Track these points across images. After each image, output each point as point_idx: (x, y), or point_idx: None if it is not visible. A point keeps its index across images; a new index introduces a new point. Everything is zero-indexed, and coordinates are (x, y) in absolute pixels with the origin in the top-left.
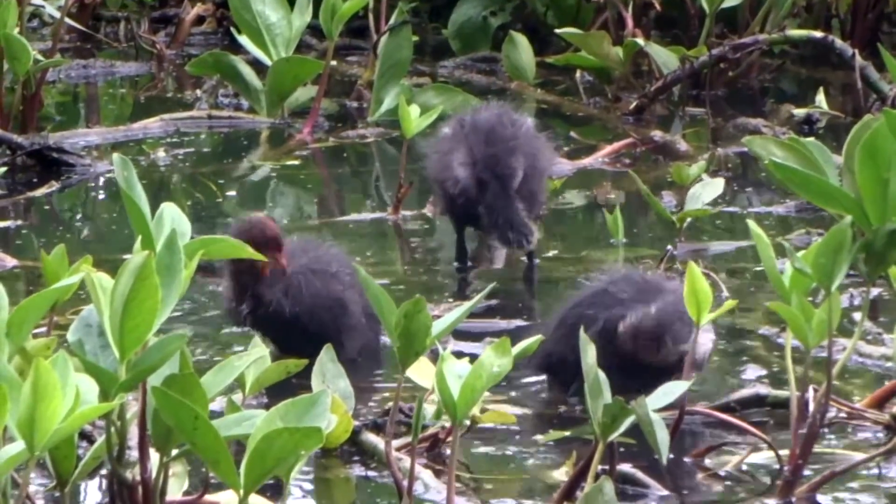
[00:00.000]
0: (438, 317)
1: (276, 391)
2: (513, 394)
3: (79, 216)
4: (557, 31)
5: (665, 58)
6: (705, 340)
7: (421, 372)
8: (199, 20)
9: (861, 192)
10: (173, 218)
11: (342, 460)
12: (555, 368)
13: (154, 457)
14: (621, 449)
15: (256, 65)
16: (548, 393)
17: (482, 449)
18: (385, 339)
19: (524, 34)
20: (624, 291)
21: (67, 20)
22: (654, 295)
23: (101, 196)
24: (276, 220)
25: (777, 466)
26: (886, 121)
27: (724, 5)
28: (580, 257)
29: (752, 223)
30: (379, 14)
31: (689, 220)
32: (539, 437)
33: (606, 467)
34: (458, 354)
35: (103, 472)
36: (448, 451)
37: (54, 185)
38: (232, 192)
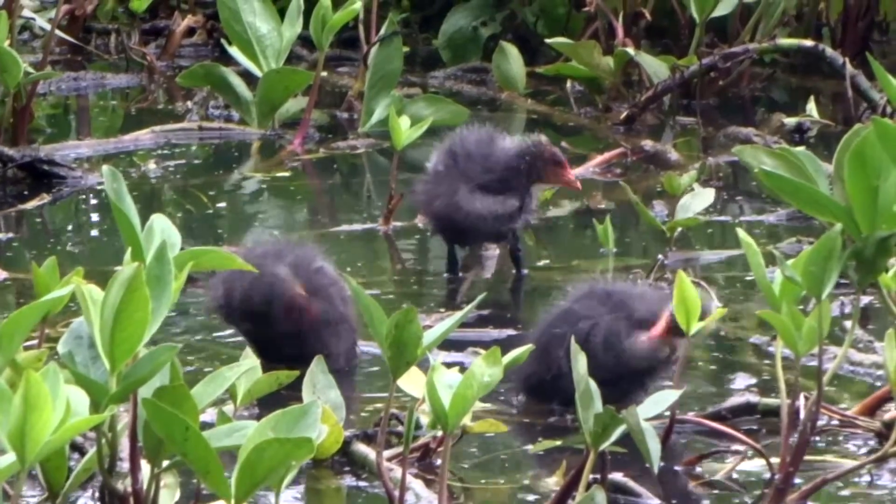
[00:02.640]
0: (429, 327)
1: (268, 402)
2: (503, 403)
3: (70, 228)
4: (548, 41)
5: (655, 67)
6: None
7: (412, 382)
8: (190, 32)
9: (851, 200)
10: (163, 229)
11: (333, 471)
12: (535, 389)
13: (145, 468)
14: (609, 457)
15: (247, 76)
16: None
17: (473, 458)
18: (364, 347)
19: (514, 44)
20: (589, 307)
21: (58, 32)
22: (619, 306)
23: (92, 208)
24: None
25: (768, 474)
26: (875, 129)
27: (715, 14)
28: (570, 267)
29: (741, 232)
30: (369, 25)
31: (680, 229)
32: (530, 447)
33: (598, 476)
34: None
35: (95, 483)
36: (439, 461)
37: (45, 198)
38: (222, 204)
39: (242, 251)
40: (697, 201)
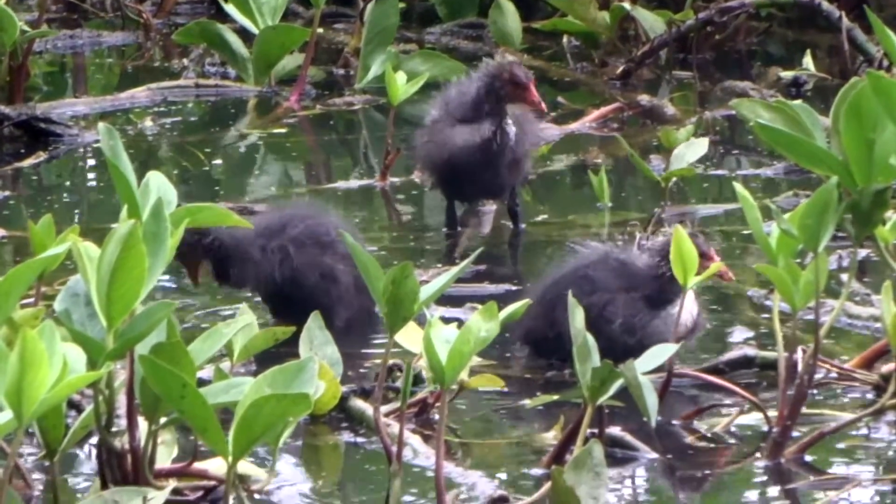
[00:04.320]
0: (426, 282)
1: (264, 359)
2: (501, 358)
3: (66, 186)
4: None
5: (652, 22)
6: None
7: (409, 337)
8: None
9: (846, 152)
10: (159, 186)
11: (331, 427)
12: (536, 343)
13: (143, 425)
14: (607, 411)
15: (243, 33)
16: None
17: (471, 414)
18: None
19: (510, 0)
20: (604, 278)
21: None
22: (632, 280)
23: (89, 166)
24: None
25: (766, 428)
26: (870, 82)
27: None
28: (567, 221)
29: (738, 185)
30: None
31: (677, 182)
32: (528, 402)
33: (595, 431)
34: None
35: (92, 440)
36: (436, 417)
37: (42, 156)
38: (218, 161)
39: (257, 216)
40: (692, 151)
